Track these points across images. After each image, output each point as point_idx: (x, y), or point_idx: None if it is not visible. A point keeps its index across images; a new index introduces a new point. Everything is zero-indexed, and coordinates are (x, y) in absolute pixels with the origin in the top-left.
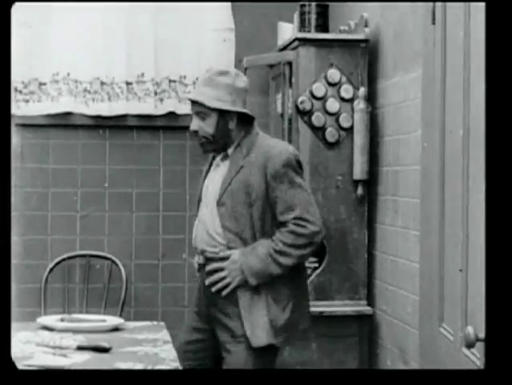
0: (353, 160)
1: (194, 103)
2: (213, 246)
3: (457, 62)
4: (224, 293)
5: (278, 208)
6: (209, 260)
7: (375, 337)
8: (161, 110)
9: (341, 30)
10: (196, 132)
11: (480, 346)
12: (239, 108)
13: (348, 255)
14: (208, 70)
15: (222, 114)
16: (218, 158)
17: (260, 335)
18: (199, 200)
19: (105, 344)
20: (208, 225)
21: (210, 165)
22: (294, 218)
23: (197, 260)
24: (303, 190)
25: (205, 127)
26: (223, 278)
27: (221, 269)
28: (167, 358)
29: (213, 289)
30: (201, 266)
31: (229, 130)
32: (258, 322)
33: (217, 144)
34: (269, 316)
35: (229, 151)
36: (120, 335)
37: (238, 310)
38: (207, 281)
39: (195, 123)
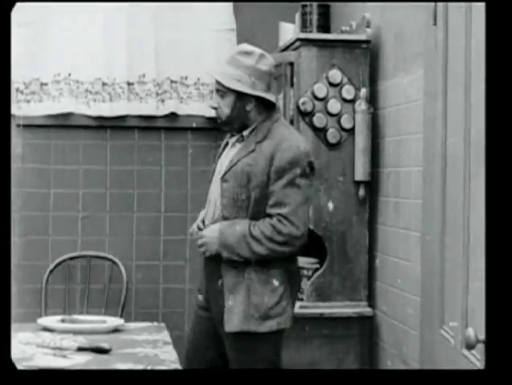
0: (354, 160)
1: (215, 80)
2: (214, 222)
3: (458, 62)
4: (206, 254)
5: (270, 201)
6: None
7: (376, 338)
8: (163, 110)
9: (343, 31)
10: (215, 109)
11: (480, 347)
12: (258, 91)
13: (349, 256)
14: (236, 49)
15: (240, 95)
16: (234, 139)
17: (234, 321)
18: (210, 180)
19: (105, 345)
20: (213, 202)
21: (225, 146)
22: (279, 215)
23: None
24: (301, 192)
25: (223, 105)
26: (203, 245)
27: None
28: (167, 359)
29: (199, 250)
30: None
31: (246, 112)
32: (236, 306)
33: (233, 125)
34: (250, 300)
35: (245, 133)
36: (121, 336)
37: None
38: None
39: (215, 100)
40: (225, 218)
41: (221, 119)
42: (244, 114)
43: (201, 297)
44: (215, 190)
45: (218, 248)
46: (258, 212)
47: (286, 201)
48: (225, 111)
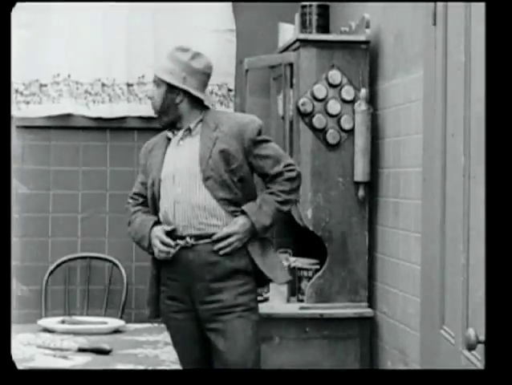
0: (354, 161)
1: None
2: (209, 223)
3: (458, 63)
4: (228, 250)
5: (268, 163)
6: (202, 237)
7: (376, 339)
8: None
9: (342, 31)
10: (150, 99)
11: (481, 348)
12: (186, 86)
13: (349, 257)
14: (175, 46)
15: (171, 88)
16: (177, 136)
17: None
18: (158, 182)
19: (106, 346)
20: (193, 203)
21: (166, 146)
22: (285, 166)
23: (185, 242)
24: (276, 145)
25: (156, 95)
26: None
27: (229, 235)
28: (167, 359)
29: (222, 252)
30: (185, 247)
31: (175, 104)
32: (274, 264)
33: (165, 117)
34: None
35: (192, 126)
36: (121, 337)
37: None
38: (216, 247)
39: (151, 91)
40: (231, 211)
41: (155, 110)
42: (174, 106)
43: (174, 302)
44: (186, 191)
45: (250, 236)
46: (247, 187)
47: (280, 154)
48: (158, 100)
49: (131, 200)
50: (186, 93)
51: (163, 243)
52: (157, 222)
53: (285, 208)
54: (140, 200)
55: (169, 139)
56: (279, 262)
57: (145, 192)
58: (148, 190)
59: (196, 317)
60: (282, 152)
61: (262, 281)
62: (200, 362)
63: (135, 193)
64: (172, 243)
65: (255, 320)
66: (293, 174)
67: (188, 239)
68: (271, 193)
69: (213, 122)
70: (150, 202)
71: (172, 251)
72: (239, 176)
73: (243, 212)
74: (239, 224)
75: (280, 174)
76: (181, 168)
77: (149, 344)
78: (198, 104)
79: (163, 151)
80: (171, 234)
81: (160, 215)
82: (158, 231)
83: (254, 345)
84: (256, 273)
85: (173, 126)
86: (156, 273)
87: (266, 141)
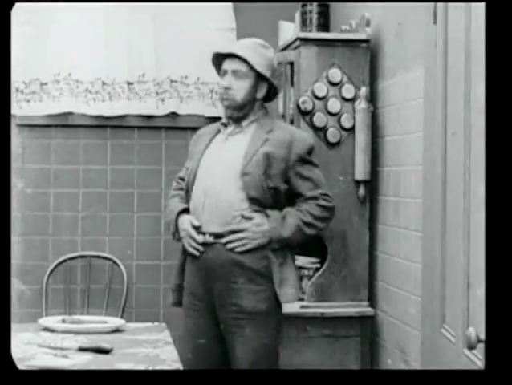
0: (354, 160)
1: (231, 59)
2: (233, 217)
3: (458, 61)
4: (239, 249)
5: (306, 186)
6: (223, 236)
7: (377, 338)
8: (163, 110)
9: (342, 30)
10: (227, 89)
11: (481, 347)
12: (275, 82)
13: (350, 256)
14: (251, 40)
15: (257, 81)
16: (226, 132)
17: (290, 292)
18: (194, 171)
19: (106, 345)
20: (221, 198)
21: (212, 137)
22: (322, 194)
23: (205, 239)
24: (320, 172)
25: (237, 87)
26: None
27: (241, 230)
28: (168, 359)
29: (229, 246)
30: (205, 244)
31: (255, 100)
32: (287, 280)
33: (241, 111)
34: (295, 274)
35: (244, 124)
36: (121, 336)
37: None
38: (225, 239)
39: (228, 81)
40: (256, 210)
41: (233, 101)
42: (253, 102)
43: (195, 300)
44: (219, 185)
45: (262, 242)
46: (277, 196)
47: (321, 181)
48: (240, 93)
49: (174, 184)
50: (265, 89)
51: (192, 238)
52: (185, 210)
53: (307, 230)
54: (182, 184)
55: (218, 132)
56: (294, 280)
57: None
58: (185, 176)
59: (212, 314)
60: (324, 181)
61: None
62: (215, 360)
63: (179, 177)
64: (200, 240)
65: (275, 326)
66: (327, 204)
67: (207, 236)
68: (299, 210)
69: (268, 126)
70: (185, 188)
71: (201, 249)
72: (274, 184)
73: (266, 216)
74: (255, 222)
75: (315, 198)
76: (221, 161)
77: (150, 343)
78: (261, 105)
79: (207, 142)
80: (197, 228)
81: (190, 204)
82: (186, 223)
83: (271, 352)
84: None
85: (237, 121)
86: (182, 261)
87: (313, 164)
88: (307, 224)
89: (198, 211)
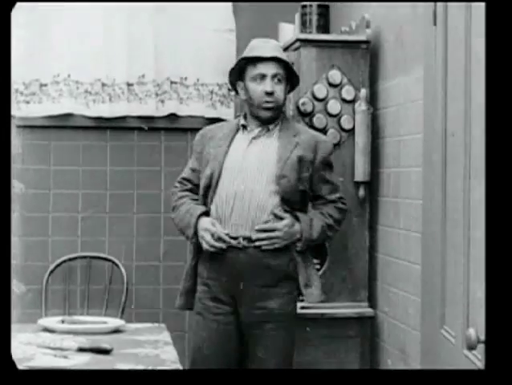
0: (354, 161)
1: (267, 63)
2: (265, 222)
3: (458, 63)
4: (267, 247)
5: (327, 188)
6: (249, 240)
7: (377, 338)
8: (162, 111)
9: (342, 31)
10: (271, 94)
11: (481, 348)
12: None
13: (350, 257)
14: (275, 43)
15: (287, 84)
16: (249, 134)
17: (316, 292)
18: (218, 173)
19: (106, 346)
20: (254, 202)
21: (232, 138)
22: (339, 198)
23: (237, 243)
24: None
25: (278, 91)
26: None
27: (272, 230)
28: (168, 359)
29: (258, 243)
30: (235, 248)
31: (285, 102)
32: (312, 280)
33: (274, 114)
34: (318, 275)
35: (271, 127)
36: (121, 337)
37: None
38: (255, 237)
39: (271, 85)
40: (286, 211)
41: (277, 104)
42: (284, 104)
43: (218, 304)
44: (251, 188)
45: (289, 243)
46: (305, 199)
47: (337, 184)
48: (281, 96)
49: (178, 185)
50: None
51: (214, 237)
52: (205, 213)
53: (329, 232)
54: (189, 186)
55: (237, 131)
56: (318, 281)
57: (195, 180)
58: (203, 179)
59: (236, 319)
60: (340, 184)
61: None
62: (232, 364)
63: (184, 178)
64: (227, 238)
65: (294, 328)
66: (345, 207)
67: (241, 240)
68: (321, 213)
69: (292, 129)
70: (202, 191)
71: (223, 246)
72: (303, 186)
73: (295, 218)
74: (285, 223)
75: (334, 202)
76: (251, 164)
77: (150, 344)
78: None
79: (228, 143)
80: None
81: (213, 207)
82: (207, 223)
83: (291, 352)
84: (296, 283)
85: (271, 122)
86: (194, 264)
87: (332, 166)
88: (329, 227)
89: (225, 215)
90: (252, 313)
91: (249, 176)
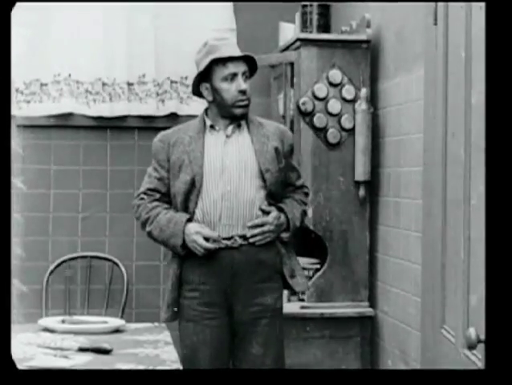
0: (355, 161)
1: (235, 61)
2: (257, 216)
3: (458, 62)
4: (261, 242)
5: (294, 175)
6: (244, 238)
7: (377, 338)
8: (163, 111)
9: (343, 31)
10: (244, 93)
11: (481, 347)
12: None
13: (350, 256)
14: (225, 39)
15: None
16: (223, 134)
17: (301, 281)
18: (200, 178)
19: (106, 346)
20: (243, 200)
21: (203, 141)
22: (304, 185)
23: (232, 242)
24: None
25: (248, 88)
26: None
27: (263, 224)
28: (168, 359)
29: (252, 240)
30: (230, 248)
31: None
32: (296, 270)
33: (248, 110)
34: (300, 264)
35: (243, 122)
36: (121, 337)
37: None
38: (250, 233)
39: (244, 84)
40: (270, 204)
41: (249, 101)
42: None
43: (211, 309)
44: (237, 187)
45: (285, 234)
46: (283, 188)
47: (298, 169)
48: (250, 93)
49: (145, 197)
50: None
51: (210, 240)
52: (188, 219)
53: (304, 218)
54: (157, 195)
55: (204, 132)
56: (301, 270)
57: (162, 188)
58: (181, 185)
59: (230, 320)
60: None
61: (284, 285)
62: (227, 364)
63: (149, 189)
64: (220, 240)
65: (282, 325)
66: (308, 190)
67: (237, 238)
68: (296, 201)
69: (256, 122)
70: (181, 198)
71: (217, 246)
72: (281, 176)
73: (279, 209)
74: (274, 216)
75: (301, 187)
76: (233, 163)
77: (150, 343)
78: None
79: (201, 146)
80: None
81: (199, 212)
82: (197, 227)
83: (283, 347)
84: (281, 276)
85: (243, 119)
86: (179, 273)
87: (293, 153)
88: (304, 212)
89: (214, 218)
90: (248, 310)
91: (234, 175)
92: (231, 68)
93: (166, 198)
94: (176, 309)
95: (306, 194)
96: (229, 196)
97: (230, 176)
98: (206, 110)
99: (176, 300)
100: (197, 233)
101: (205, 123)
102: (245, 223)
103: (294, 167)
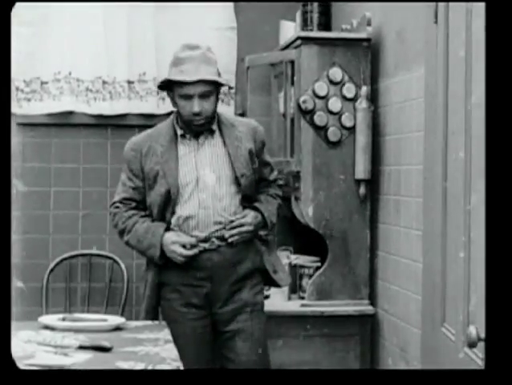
0: (355, 159)
1: (196, 84)
2: (230, 222)
3: (459, 61)
4: (232, 240)
5: (268, 170)
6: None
7: (377, 336)
8: (163, 109)
9: (343, 29)
10: (198, 114)
11: (482, 346)
12: (227, 83)
13: (350, 254)
14: (192, 47)
15: (217, 90)
16: (193, 141)
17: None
18: (176, 189)
19: (106, 343)
20: (219, 206)
21: (176, 149)
22: (277, 174)
23: (210, 244)
24: None
25: (207, 106)
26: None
27: (242, 225)
28: (168, 357)
29: (231, 240)
30: (209, 250)
31: (216, 107)
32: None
33: (208, 124)
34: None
35: (214, 127)
36: (122, 335)
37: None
38: (228, 234)
39: (199, 105)
40: (245, 207)
41: (207, 119)
42: (216, 108)
43: (192, 309)
44: (214, 194)
45: (263, 232)
46: (256, 186)
47: (272, 162)
48: (210, 109)
49: (120, 205)
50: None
51: (187, 247)
52: (166, 228)
53: (279, 211)
54: (133, 204)
55: (175, 140)
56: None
57: (137, 197)
58: (156, 197)
59: (211, 321)
60: (272, 161)
61: (266, 281)
62: (210, 363)
63: (125, 198)
64: (197, 242)
65: (265, 319)
66: (282, 182)
67: (215, 240)
68: (269, 195)
69: (227, 122)
70: (156, 210)
71: (196, 251)
72: (255, 176)
73: (254, 208)
74: (252, 215)
75: (275, 180)
76: (207, 171)
77: (150, 341)
78: None
79: (175, 156)
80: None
81: (175, 221)
82: (174, 236)
83: (266, 342)
84: (262, 273)
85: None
86: (157, 281)
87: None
88: (279, 206)
89: (191, 227)
90: (228, 308)
91: (208, 183)
92: (185, 90)
93: (142, 206)
94: (152, 318)
95: (280, 186)
96: (205, 205)
97: (205, 185)
98: (176, 115)
99: (155, 307)
100: (174, 243)
101: (175, 131)
102: (221, 225)
103: (267, 162)
